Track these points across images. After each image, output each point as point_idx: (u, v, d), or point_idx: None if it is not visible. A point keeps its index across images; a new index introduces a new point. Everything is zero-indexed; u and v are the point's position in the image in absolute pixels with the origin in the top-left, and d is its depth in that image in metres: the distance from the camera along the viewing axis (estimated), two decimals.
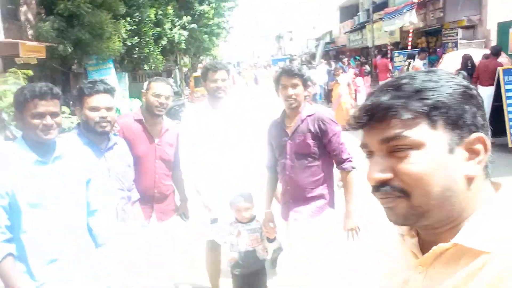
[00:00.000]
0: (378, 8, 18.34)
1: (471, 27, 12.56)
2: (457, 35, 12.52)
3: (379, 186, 0.72)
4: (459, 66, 8.74)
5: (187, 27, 17.75)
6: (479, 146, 0.72)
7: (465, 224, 0.70)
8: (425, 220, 0.71)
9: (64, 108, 7.94)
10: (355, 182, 2.53)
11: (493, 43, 11.21)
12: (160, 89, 2.76)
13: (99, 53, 12.99)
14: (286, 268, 3.00)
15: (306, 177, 2.54)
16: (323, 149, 2.55)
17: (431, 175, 0.69)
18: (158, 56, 16.59)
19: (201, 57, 24.84)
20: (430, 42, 14.97)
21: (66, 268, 1.86)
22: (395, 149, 0.70)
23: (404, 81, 0.71)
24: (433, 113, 0.69)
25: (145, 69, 17.26)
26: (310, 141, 2.51)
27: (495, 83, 7.09)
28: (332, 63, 16.32)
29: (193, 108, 3.10)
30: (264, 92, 10.81)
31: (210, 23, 19.64)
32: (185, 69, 23.71)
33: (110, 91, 2.29)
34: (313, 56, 32.13)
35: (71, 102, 8.86)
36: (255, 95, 11.78)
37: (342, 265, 2.63)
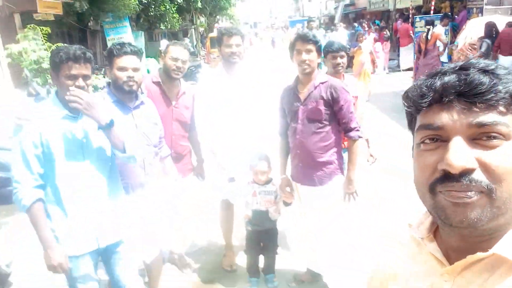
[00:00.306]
0: None
1: None
2: (482, 0, 11.99)
3: (461, 176, 0.61)
4: (482, 34, 8.48)
5: None
6: None
7: (508, 233, 0.64)
8: (493, 224, 0.63)
9: None
10: (359, 151, 2.66)
11: None
12: (177, 53, 2.84)
13: (115, 10, 12.90)
14: (294, 240, 3.13)
15: (316, 142, 2.62)
16: (334, 116, 2.62)
17: None
18: (174, 15, 16.37)
19: (217, 17, 24.36)
20: (455, 7, 14.39)
21: (94, 211, 2.04)
22: (486, 137, 0.62)
23: (492, 66, 0.64)
24: None
25: (161, 28, 17.09)
26: (322, 108, 2.57)
27: None
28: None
29: (208, 72, 3.16)
30: (281, 54, 10.63)
31: None
32: (201, 29, 23.38)
33: (137, 52, 2.40)
34: (332, 19, 31.17)
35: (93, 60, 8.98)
36: (272, 57, 11.62)
37: (348, 242, 2.75)
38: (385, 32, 14.31)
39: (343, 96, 2.58)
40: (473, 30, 9.56)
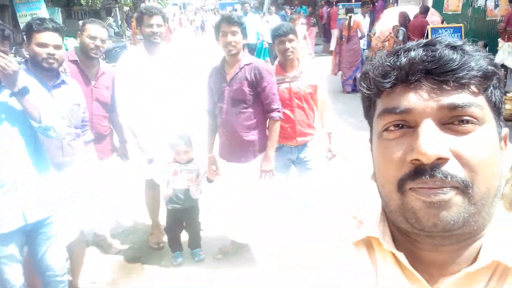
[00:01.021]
0: None
1: None
2: None
3: (434, 169, 0.51)
4: (397, 23, 9.18)
5: None
6: (503, 143, 0.59)
7: (488, 236, 0.57)
8: (470, 227, 0.54)
9: None
10: (278, 131, 2.78)
11: (430, 1, 11.77)
12: (95, 31, 2.76)
13: None
14: (219, 215, 3.25)
15: (241, 121, 2.73)
16: (257, 97, 2.74)
17: (495, 162, 0.55)
18: None
19: None
20: None
21: (20, 186, 1.98)
22: (458, 121, 0.54)
23: (459, 42, 0.57)
24: (490, 88, 0.56)
25: (81, 4, 15.98)
26: (246, 88, 2.68)
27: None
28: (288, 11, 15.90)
29: (129, 52, 3.10)
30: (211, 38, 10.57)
31: None
32: (126, 8, 22.24)
33: (59, 30, 2.29)
34: (261, 3, 31.36)
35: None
36: (202, 41, 11.47)
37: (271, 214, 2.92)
38: (312, 19, 14.82)
39: (267, 77, 2.69)
40: (388, 19, 10.32)
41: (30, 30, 2.24)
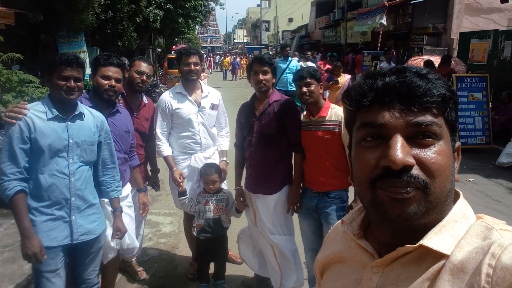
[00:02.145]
0: (352, 7, 18.89)
1: (436, 34, 13.31)
2: (423, 40, 13.24)
3: (401, 173, 0.65)
4: None
5: (163, 6, 17.57)
6: (456, 154, 0.74)
7: (434, 228, 0.68)
8: (426, 218, 0.67)
9: (33, 79, 7.87)
10: (302, 164, 2.85)
11: (455, 51, 11.98)
12: (143, 67, 3.04)
13: (71, 25, 12.73)
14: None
15: (268, 154, 2.85)
16: (285, 132, 2.87)
17: (449, 169, 0.68)
18: (132, 34, 16.37)
19: (176, 39, 24.57)
20: (398, 45, 15.67)
21: (71, 207, 2.14)
22: (422, 136, 0.67)
23: (424, 71, 0.70)
24: (448, 109, 0.70)
25: (118, 45, 16.96)
26: (274, 123, 2.82)
27: None
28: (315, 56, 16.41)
29: (169, 90, 3.32)
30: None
31: (187, 5, 19.49)
32: (159, 50, 23.43)
33: (121, 65, 2.61)
34: (283, 47, 32.42)
35: (40, 73, 8.78)
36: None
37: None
38: (337, 64, 15.23)
39: (293, 113, 2.84)
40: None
41: (97, 63, 2.55)
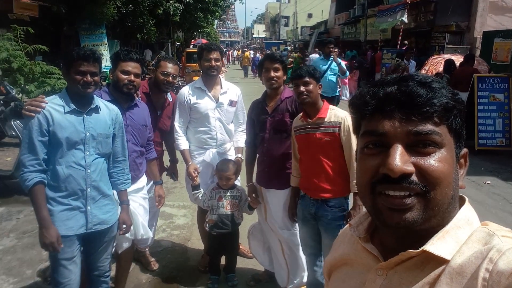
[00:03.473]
0: (373, 4, 18.60)
1: (458, 32, 13.01)
2: (444, 39, 12.97)
3: (401, 179, 0.67)
4: (441, 69, 9.20)
5: (183, 1, 17.70)
6: (463, 161, 0.76)
7: (438, 233, 0.69)
8: (426, 225, 0.69)
9: (56, 70, 8.05)
10: None
11: (478, 50, 11.71)
12: (169, 68, 3.09)
13: (93, 18, 12.95)
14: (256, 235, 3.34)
15: (281, 150, 2.87)
16: None
17: (450, 177, 0.69)
18: (152, 28, 16.56)
19: (195, 33, 24.70)
20: (419, 43, 15.40)
21: (86, 202, 2.21)
22: (422, 144, 0.68)
23: (429, 79, 0.70)
24: (452, 118, 0.70)
25: (137, 38, 17.17)
26: (287, 119, 2.83)
27: (469, 89, 7.54)
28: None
29: (189, 84, 3.36)
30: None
31: None
32: (177, 44, 23.59)
33: (141, 61, 2.66)
34: (306, 44, 32.26)
35: (61, 65, 8.98)
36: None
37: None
38: (354, 61, 15.08)
39: None
40: (434, 65, 10.35)
41: (117, 58, 2.61)
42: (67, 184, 2.14)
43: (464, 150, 0.75)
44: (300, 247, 2.92)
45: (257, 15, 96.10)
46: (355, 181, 2.45)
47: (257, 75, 2.94)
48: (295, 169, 2.76)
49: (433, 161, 0.67)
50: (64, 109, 2.13)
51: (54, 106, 2.12)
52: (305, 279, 2.97)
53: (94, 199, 2.23)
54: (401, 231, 0.70)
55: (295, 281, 3.02)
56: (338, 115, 2.52)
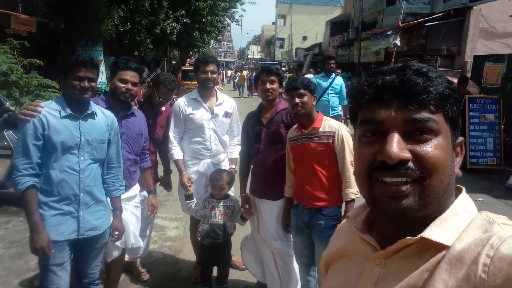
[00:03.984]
0: (367, 27, 19.06)
1: (450, 56, 13.32)
2: (436, 62, 13.25)
3: (397, 166, 0.68)
4: None
5: (180, 20, 17.96)
6: (459, 149, 0.77)
7: (435, 221, 0.70)
8: (423, 212, 0.69)
9: (53, 84, 8.07)
10: None
11: (469, 74, 11.96)
12: (167, 90, 3.12)
13: (90, 35, 13.07)
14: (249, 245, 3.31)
15: (276, 160, 2.88)
16: None
17: (446, 163, 0.70)
18: (149, 45, 16.72)
19: (191, 52, 24.97)
20: None
21: (79, 203, 2.19)
22: (418, 132, 0.69)
23: (425, 69, 0.71)
24: (448, 106, 0.71)
25: (134, 55, 17.30)
26: (283, 130, 2.85)
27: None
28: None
29: (185, 95, 3.39)
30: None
31: (203, 20, 19.87)
32: (173, 62, 23.81)
33: (139, 70, 2.69)
34: (300, 65, 32.75)
35: (57, 79, 9.00)
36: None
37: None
38: (349, 83, 15.33)
39: None
40: None
41: (116, 67, 2.63)
42: (60, 189, 2.12)
43: (460, 138, 0.76)
44: (294, 258, 2.90)
45: (253, 36, 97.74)
46: (348, 189, 2.48)
47: (252, 94, 2.96)
48: (289, 179, 2.78)
49: (430, 148, 0.68)
50: (60, 114, 2.14)
51: (50, 111, 2.13)
52: None
53: (87, 204, 2.22)
54: (398, 218, 0.71)
55: None
56: (332, 125, 2.56)
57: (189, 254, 3.76)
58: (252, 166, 3.09)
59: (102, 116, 2.33)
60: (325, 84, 6.58)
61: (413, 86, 0.68)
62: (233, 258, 3.44)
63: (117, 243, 2.57)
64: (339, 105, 6.70)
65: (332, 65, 6.70)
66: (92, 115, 2.26)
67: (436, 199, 0.69)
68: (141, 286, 3.28)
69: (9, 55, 7.74)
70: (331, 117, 5.97)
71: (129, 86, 2.61)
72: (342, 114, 6.70)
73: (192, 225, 3.50)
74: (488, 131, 7.57)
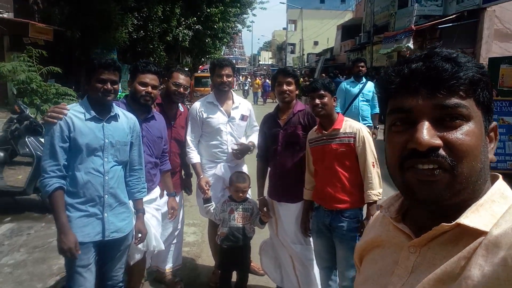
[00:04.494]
0: (379, 31, 18.98)
1: None
2: None
3: (428, 153, 0.67)
4: None
5: (192, 27, 18.15)
6: (493, 134, 0.75)
7: (471, 207, 0.69)
8: (456, 198, 0.69)
9: (71, 92, 8.23)
10: None
11: None
12: (181, 79, 3.14)
13: (105, 43, 13.31)
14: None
15: (294, 162, 2.88)
16: None
17: (478, 150, 0.69)
18: (162, 53, 16.94)
19: (203, 59, 25.18)
20: None
21: (103, 209, 2.23)
22: (449, 118, 0.68)
23: (454, 54, 0.70)
24: (478, 90, 0.70)
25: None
26: (300, 132, 2.86)
27: None
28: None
29: (201, 99, 3.42)
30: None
31: (215, 26, 20.05)
32: (186, 69, 24.06)
33: (159, 73, 2.73)
34: (312, 71, 32.72)
35: (73, 87, 9.16)
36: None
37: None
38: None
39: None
40: None
41: (136, 70, 2.68)
42: (85, 190, 2.16)
43: (494, 124, 0.75)
44: (314, 262, 2.90)
45: (264, 42, 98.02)
46: (370, 191, 2.47)
47: (266, 100, 2.96)
48: (309, 182, 2.78)
49: (460, 134, 0.67)
50: (85, 116, 2.19)
51: (75, 113, 2.18)
52: None
53: (111, 206, 2.25)
54: (431, 206, 0.70)
55: None
56: (353, 126, 2.57)
57: (207, 260, 3.78)
58: (269, 168, 3.10)
59: (125, 118, 2.38)
60: (354, 90, 5.78)
61: (441, 72, 0.68)
62: (252, 263, 3.45)
63: (139, 245, 2.60)
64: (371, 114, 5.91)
65: (361, 68, 5.88)
66: (115, 117, 2.31)
67: (469, 186, 0.68)
68: None
69: (27, 63, 7.91)
70: None
71: (149, 89, 2.64)
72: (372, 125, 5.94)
73: (210, 229, 3.52)
74: (506, 134, 7.43)
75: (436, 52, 0.71)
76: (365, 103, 5.76)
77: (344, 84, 5.95)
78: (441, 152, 0.67)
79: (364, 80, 5.83)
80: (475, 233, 0.66)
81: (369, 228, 0.94)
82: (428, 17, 15.02)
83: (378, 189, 2.50)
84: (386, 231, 0.84)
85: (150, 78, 2.66)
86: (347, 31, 28.04)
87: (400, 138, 0.72)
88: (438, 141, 0.67)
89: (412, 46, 13.28)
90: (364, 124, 5.22)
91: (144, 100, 2.66)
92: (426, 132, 0.67)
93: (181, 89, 3.12)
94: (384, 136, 0.80)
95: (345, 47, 27.58)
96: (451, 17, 13.05)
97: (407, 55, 7.52)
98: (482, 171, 0.70)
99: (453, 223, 0.67)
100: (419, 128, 0.68)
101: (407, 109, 0.71)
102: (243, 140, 3.41)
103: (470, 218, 0.67)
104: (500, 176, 0.75)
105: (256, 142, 3.29)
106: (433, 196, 0.68)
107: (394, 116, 0.74)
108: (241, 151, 3.25)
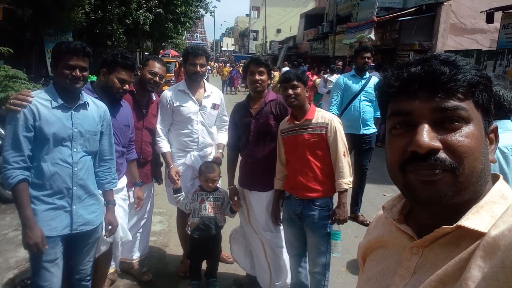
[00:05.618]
0: (341, 21, 19.27)
1: (422, 51, 13.67)
2: (409, 56, 13.59)
3: (427, 156, 0.68)
4: None
5: (153, 10, 17.58)
6: (493, 136, 0.76)
7: (472, 209, 0.69)
8: (457, 199, 0.70)
9: (21, 75, 7.71)
10: None
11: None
12: (157, 68, 3.03)
13: (59, 23, 12.59)
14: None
15: (265, 152, 2.88)
16: None
17: (478, 151, 0.70)
18: (121, 36, 16.30)
19: (164, 44, 24.53)
20: (385, 60, 16.04)
21: (71, 202, 2.12)
22: (448, 121, 0.69)
23: (452, 58, 0.71)
24: (477, 93, 0.71)
25: (104, 45, 16.82)
26: (272, 122, 2.85)
27: None
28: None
29: (172, 86, 3.31)
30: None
31: (177, 10, 19.54)
32: (146, 53, 23.34)
33: (134, 68, 2.73)
34: (275, 58, 32.79)
35: (24, 69, 8.60)
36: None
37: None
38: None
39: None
40: None
41: (115, 64, 2.59)
42: (52, 182, 2.04)
43: (494, 125, 0.76)
44: (284, 249, 2.93)
45: (226, 28, 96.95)
46: (340, 180, 2.52)
47: (235, 89, 2.94)
48: (279, 172, 2.79)
49: (460, 136, 0.68)
50: (51, 104, 2.05)
51: (40, 101, 2.04)
52: (288, 281, 2.96)
53: (80, 198, 2.15)
54: (433, 206, 0.71)
55: (277, 284, 3.01)
56: (325, 116, 2.59)
57: (175, 249, 3.73)
58: (240, 157, 3.08)
59: (94, 106, 2.26)
60: (356, 86, 4.62)
61: (439, 75, 0.69)
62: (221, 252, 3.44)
63: (105, 236, 2.51)
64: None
65: (367, 59, 4.58)
66: (84, 105, 2.18)
67: (470, 187, 0.70)
68: (128, 281, 3.22)
69: None
70: (366, 136, 4.63)
71: (126, 86, 2.64)
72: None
73: (179, 218, 3.46)
74: None
75: (434, 56, 0.72)
76: (367, 103, 4.63)
77: (343, 78, 4.76)
78: (441, 155, 0.68)
79: (367, 74, 4.71)
80: (476, 235, 0.67)
81: (372, 228, 0.95)
82: (388, 9, 15.42)
83: (349, 177, 2.55)
84: (389, 231, 0.85)
85: (129, 75, 2.63)
86: (310, 20, 28.24)
87: (400, 141, 0.73)
88: (438, 144, 0.68)
89: (373, 37, 13.59)
90: (366, 130, 4.64)
91: (120, 96, 2.63)
92: (426, 135, 0.68)
93: (157, 78, 3.02)
94: (385, 139, 0.80)
95: (308, 36, 27.79)
96: (410, 10, 13.46)
97: (368, 45, 7.54)
98: (482, 172, 0.71)
99: (454, 225, 0.68)
100: (419, 131, 0.69)
101: (407, 112, 0.72)
102: (214, 130, 3.35)
103: (470, 220, 0.68)
104: (501, 176, 0.77)
105: (224, 142, 3.30)
106: (436, 196, 0.69)
107: (394, 119, 0.75)
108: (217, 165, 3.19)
